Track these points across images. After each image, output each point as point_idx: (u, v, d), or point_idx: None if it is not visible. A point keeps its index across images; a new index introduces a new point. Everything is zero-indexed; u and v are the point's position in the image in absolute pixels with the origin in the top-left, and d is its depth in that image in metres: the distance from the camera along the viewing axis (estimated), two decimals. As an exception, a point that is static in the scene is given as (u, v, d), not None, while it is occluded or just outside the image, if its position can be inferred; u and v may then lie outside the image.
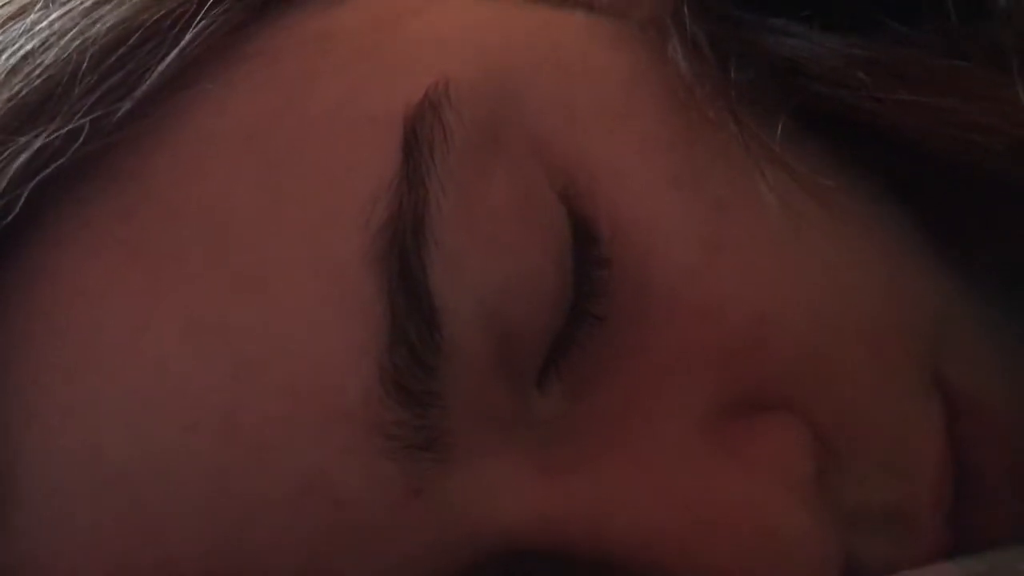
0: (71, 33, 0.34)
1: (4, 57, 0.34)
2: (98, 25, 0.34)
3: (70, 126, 0.33)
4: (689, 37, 0.36)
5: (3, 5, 0.36)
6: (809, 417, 0.36)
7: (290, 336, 0.32)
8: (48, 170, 0.32)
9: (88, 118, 0.33)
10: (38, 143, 0.33)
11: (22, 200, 0.32)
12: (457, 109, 0.34)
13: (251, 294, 0.32)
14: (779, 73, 0.36)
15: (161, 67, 0.34)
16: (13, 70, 0.34)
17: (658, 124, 0.36)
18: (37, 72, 0.34)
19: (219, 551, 0.32)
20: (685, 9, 0.37)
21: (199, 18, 0.34)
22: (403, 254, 0.33)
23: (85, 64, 0.33)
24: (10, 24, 0.35)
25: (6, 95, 0.33)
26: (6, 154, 0.32)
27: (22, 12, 0.36)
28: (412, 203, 0.33)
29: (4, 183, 0.32)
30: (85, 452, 0.32)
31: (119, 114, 0.33)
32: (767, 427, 0.35)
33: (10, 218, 0.32)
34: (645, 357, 0.35)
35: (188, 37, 0.34)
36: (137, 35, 0.34)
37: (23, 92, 0.33)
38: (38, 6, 0.35)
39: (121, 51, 0.34)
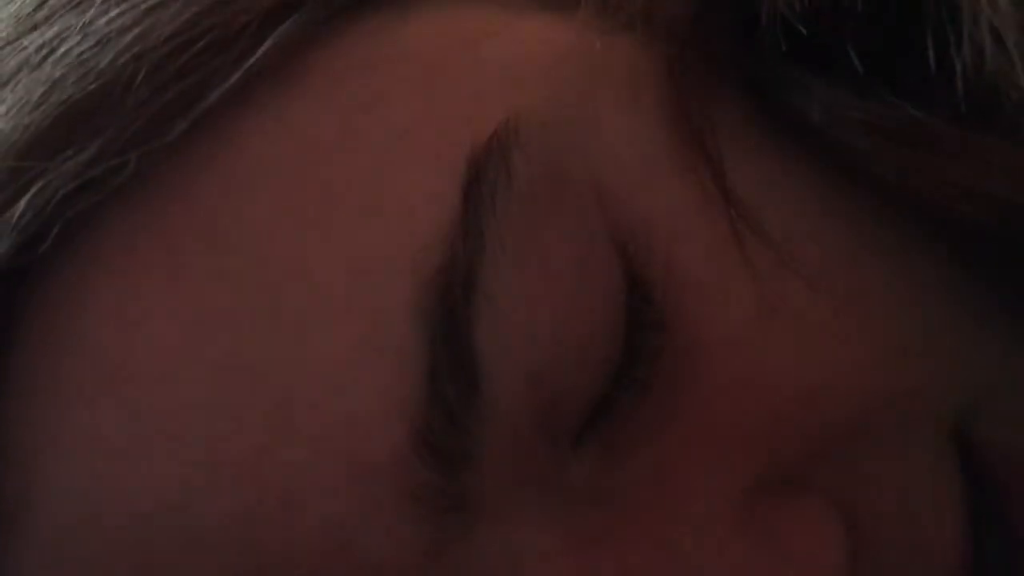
0: (130, 37, 0.32)
1: (60, 53, 0.33)
2: (158, 29, 0.33)
3: (120, 145, 0.31)
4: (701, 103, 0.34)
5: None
6: (840, 496, 0.34)
7: (324, 384, 0.31)
8: (94, 191, 0.31)
9: (140, 137, 0.31)
10: (85, 157, 0.31)
11: (64, 220, 0.31)
12: (525, 150, 0.32)
13: (288, 335, 0.31)
14: (802, 132, 0.34)
15: (219, 85, 0.32)
16: (66, 72, 0.32)
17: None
18: (91, 78, 0.32)
19: None
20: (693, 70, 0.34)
21: (264, 31, 0.33)
22: (451, 309, 0.31)
23: (141, 74, 0.32)
24: (66, 14, 0.34)
25: (56, 98, 0.32)
26: (49, 173, 0.31)
27: (80, 1, 0.34)
28: (467, 254, 0.31)
29: (43, 202, 0.31)
30: (102, 488, 0.31)
31: (172, 134, 0.32)
32: (801, 513, 0.34)
33: (50, 238, 0.31)
34: (685, 425, 0.33)
35: (249, 51, 0.32)
36: (196, 46, 0.32)
37: (75, 98, 0.32)
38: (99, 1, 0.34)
39: (179, 62, 0.32)
